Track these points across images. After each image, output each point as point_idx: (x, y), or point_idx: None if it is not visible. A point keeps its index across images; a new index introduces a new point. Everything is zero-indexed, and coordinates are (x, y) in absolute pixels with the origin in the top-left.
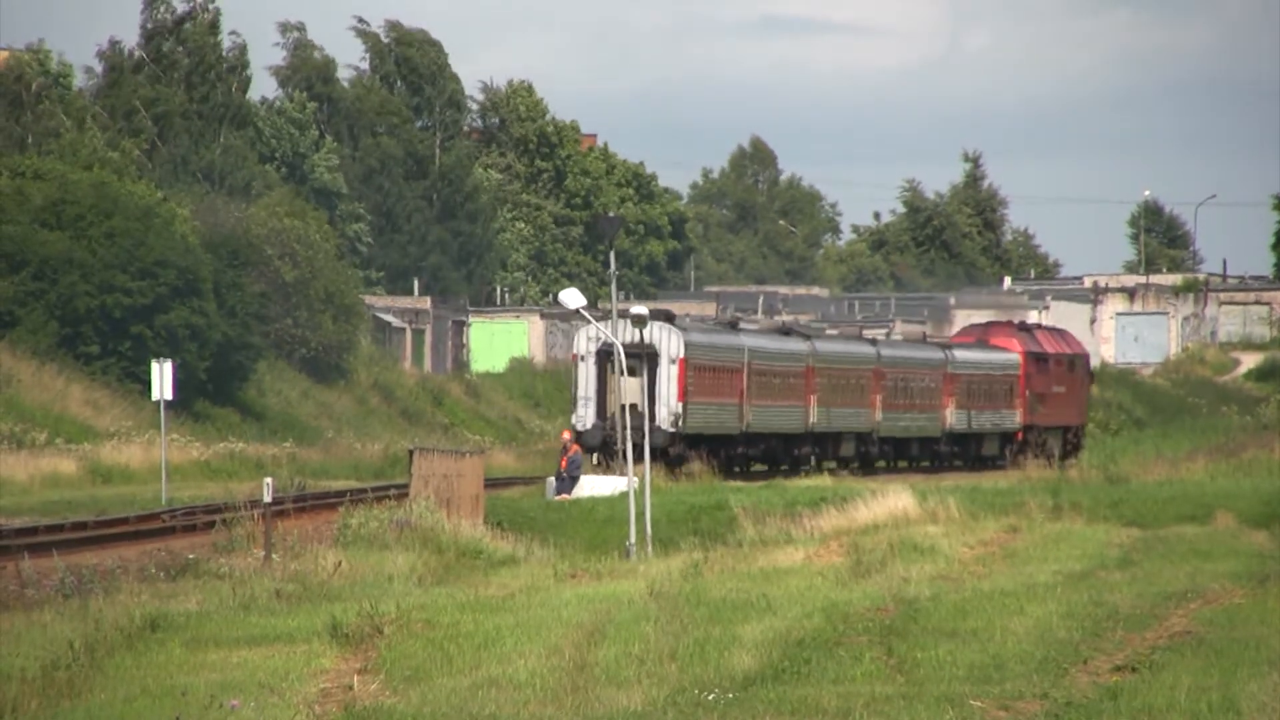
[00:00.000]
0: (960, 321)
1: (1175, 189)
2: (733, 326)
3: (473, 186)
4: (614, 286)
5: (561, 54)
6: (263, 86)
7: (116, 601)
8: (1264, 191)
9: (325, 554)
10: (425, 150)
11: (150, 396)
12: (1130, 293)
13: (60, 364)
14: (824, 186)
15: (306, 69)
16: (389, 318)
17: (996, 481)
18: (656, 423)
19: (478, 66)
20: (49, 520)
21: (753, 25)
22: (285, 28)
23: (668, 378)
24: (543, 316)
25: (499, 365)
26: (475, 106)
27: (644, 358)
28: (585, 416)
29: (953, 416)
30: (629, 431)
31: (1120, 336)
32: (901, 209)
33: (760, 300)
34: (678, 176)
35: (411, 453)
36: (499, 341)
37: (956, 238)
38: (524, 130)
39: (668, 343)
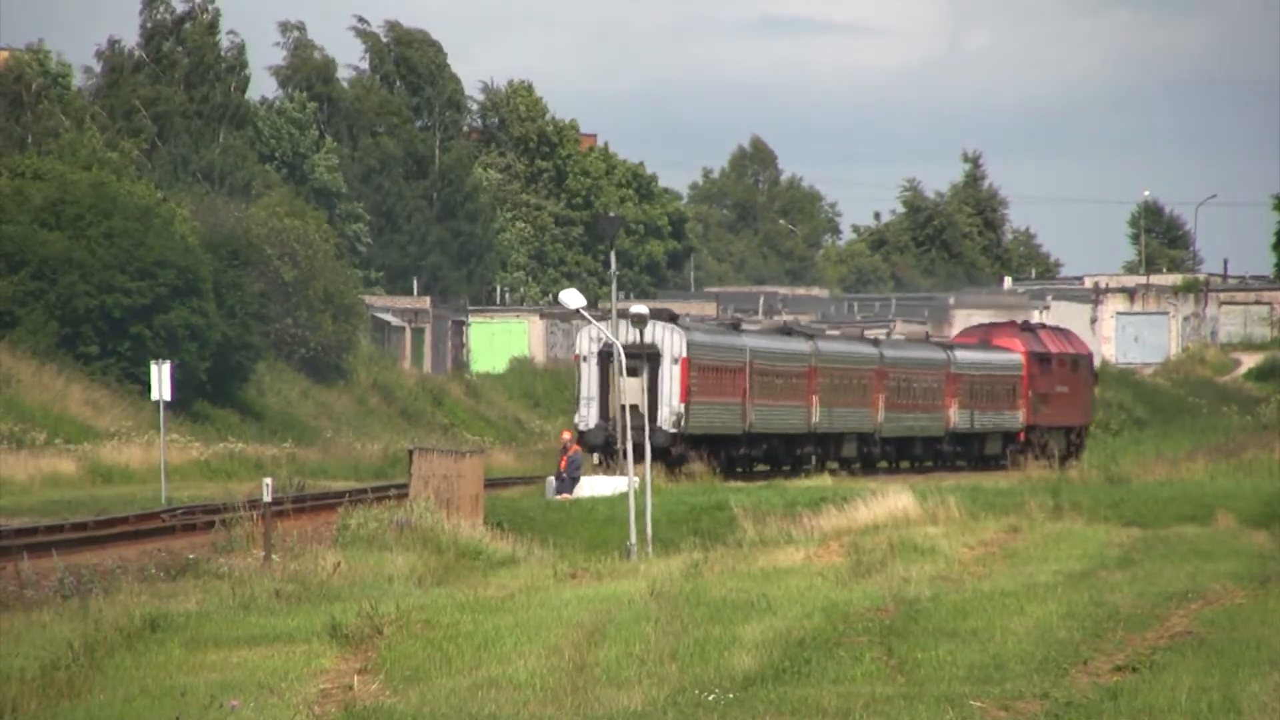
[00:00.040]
0: (960, 321)
1: (1175, 189)
2: (735, 327)
3: (473, 186)
4: (614, 286)
5: (561, 54)
6: (262, 86)
7: (116, 601)
8: (1264, 191)
9: (325, 554)
10: (425, 150)
11: (150, 396)
12: (1130, 293)
13: (60, 364)
14: (824, 186)
15: (306, 69)
16: (389, 318)
17: (997, 482)
18: (659, 423)
19: (478, 66)
20: (49, 520)
21: (753, 25)
22: (285, 27)
23: (670, 378)
24: (543, 316)
25: (499, 365)
26: (475, 106)
27: (645, 358)
28: (588, 416)
29: (955, 417)
30: (629, 431)
31: (1120, 336)
32: (901, 209)
33: (760, 300)
34: (678, 176)
35: (411, 453)
36: (499, 341)
37: (957, 238)
38: (524, 130)
39: (670, 343)
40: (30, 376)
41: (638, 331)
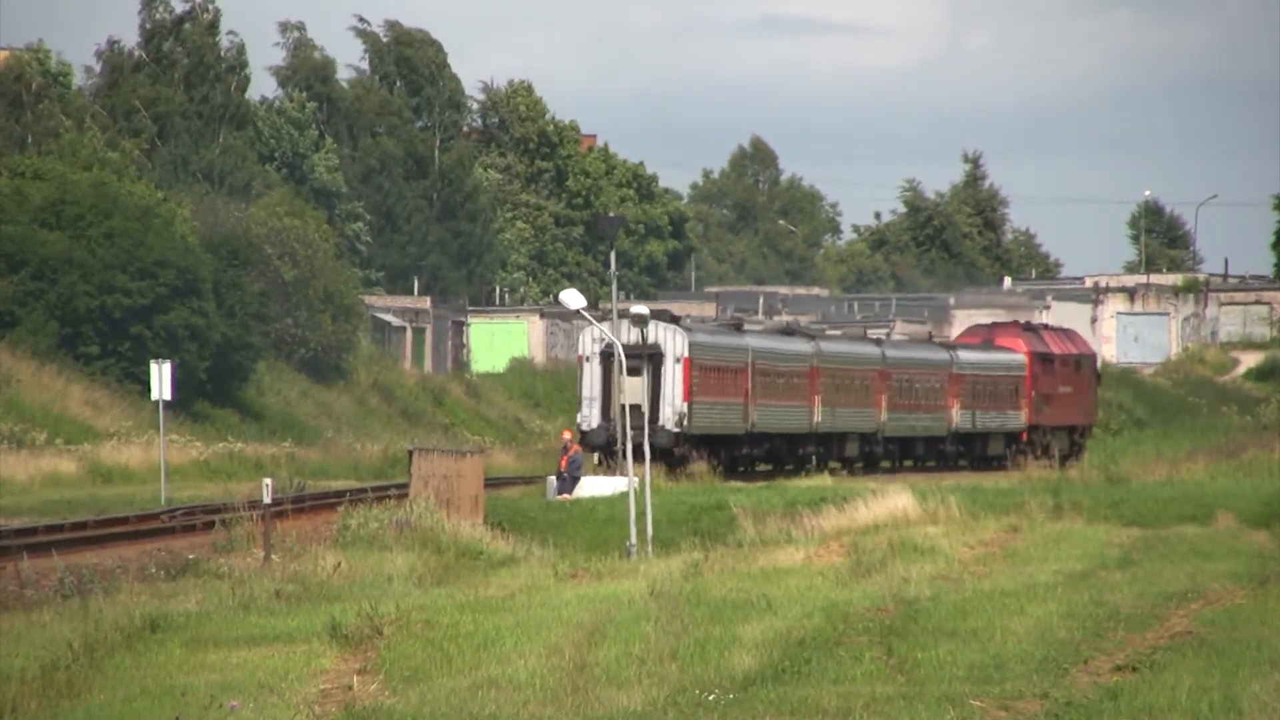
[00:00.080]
0: (960, 321)
1: (1175, 189)
2: (737, 327)
3: (473, 186)
4: (614, 287)
5: (561, 54)
6: (262, 86)
7: (116, 601)
8: (1264, 191)
9: (325, 554)
10: (425, 150)
11: (150, 396)
12: (1130, 293)
13: (60, 364)
14: (824, 186)
15: (306, 69)
16: (389, 317)
17: (997, 481)
18: (661, 422)
19: (478, 66)
20: (49, 520)
21: (753, 25)
22: (285, 27)
23: (673, 378)
24: (543, 316)
25: (499, 365)
26: (475, 106)
27: (648, 358)
28: (590, 416)
29: (958, 417)
30: (629, 431)
31: (1121, 336)
32: (902, 209)
33: (760, 300)
34: (678, 176)
35: (411, 453)
36: (499, 341)
37: (957, 238)
38: (524, 130)
39: (673, 343)
40: (30, 376)
41: (639, 332)
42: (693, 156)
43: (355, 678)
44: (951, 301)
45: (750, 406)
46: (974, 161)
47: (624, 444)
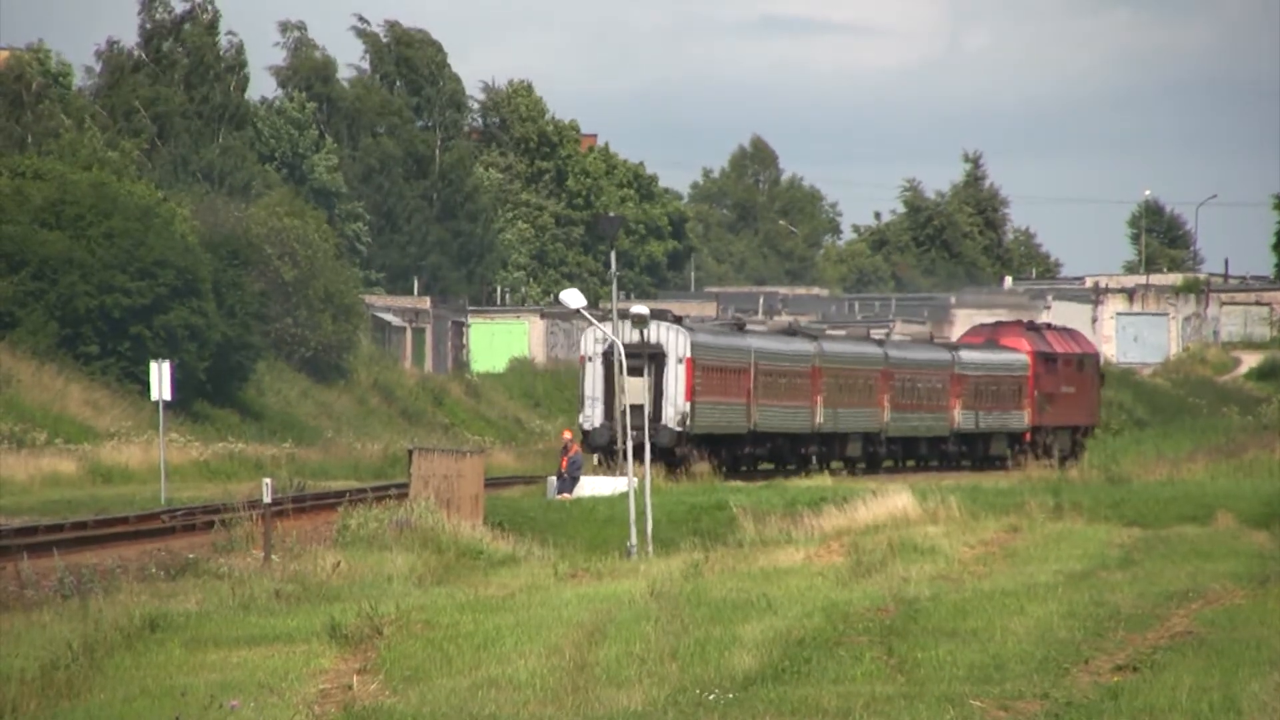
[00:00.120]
0: (960, 321)
1: (1175, 189)
2: (739, 328)
3: (473, 186)
4: (614, 287)
5: (561, 54)
6: (262, 86)
7: (116, 601)
8: (1264, 191)
9: (325, 554)
10: (425, 150)
11: (150, 396)
12: (1130, 293)
13: (60, 364)
14: (824, 186)
15: (306, 69)
16: (389, 317)
17: (997, 481)
18: (664, 422)
19: (478, 66)
20: (49, 520)
21: (753, 25)
22: (285, 27)
23: (675, 378)
24: (543, 316)
25: (499, 365)
26: (475, 106)
27: (649, 358)
28: (593, 416)
29: (960, 417)
30: (629, 431)
31: (1121, 337)
32: (902, 209)
33: (760, 300)
34: (678, 176)
35: (411, 453)
36: (499, 341)
37: (957, 237)
38: (524, 130)
39: (675, 343)
40: (30, 376)
41: (640, 331)
42: (693, 156)
43: (355, 678)
44: (952, 301)
45: (752, 406)
46: (974, 161)
47: (624, 443)
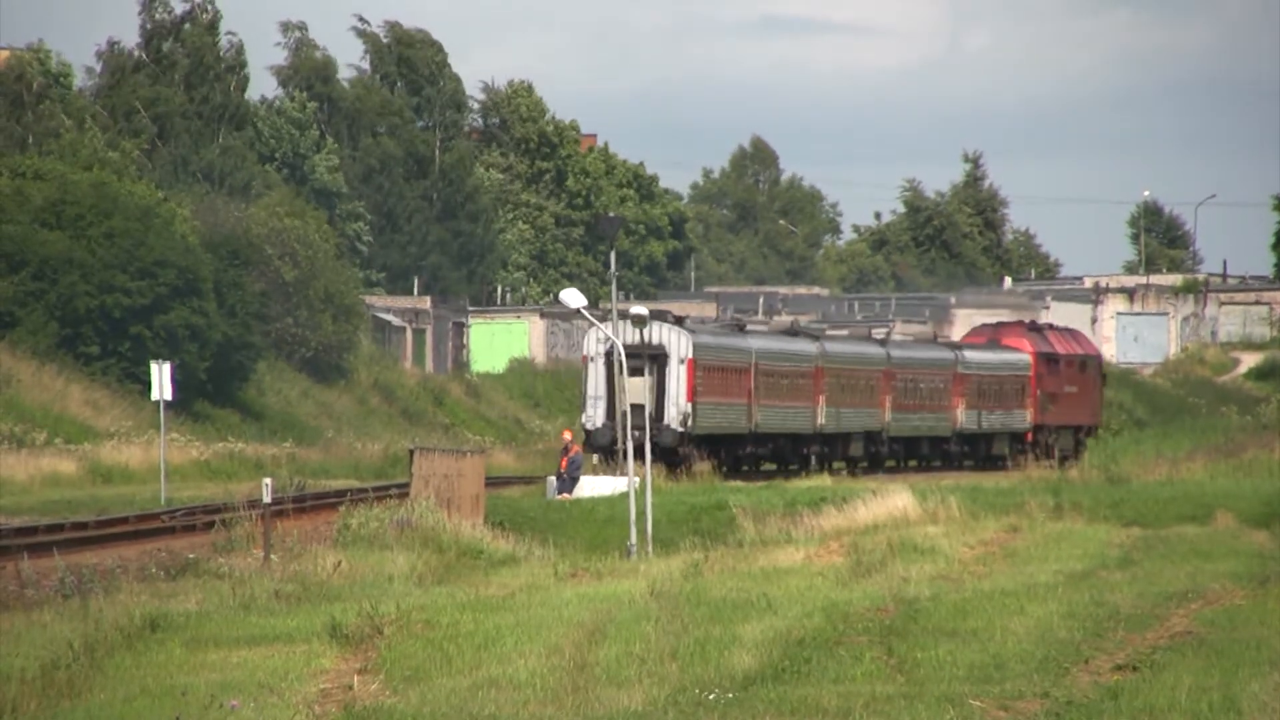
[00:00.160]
0: (961, 321)
1: (1175, 189)
2: (740, 328)
3: (473, 186)
4: (614, 287)
5: (561, 54)
6: (263, 86)
7: (116, 601)
8: (1264, 191)
9: (325, 554)
10: (425, 150)
11: (150, 396)
12: (1130, 293)
13: (60, 364)
14: (824, 186)
15: (307, 69)
16: (389, 317)
17: (997, 481)
18: (665, 422)
19: (478, 66)
20: (49, 520)
21: (753, 25)
22: (286, 27)
23: (677, 378)
24: (543, 316)
25: (499, 365)
26: (476, 106)
27: (649, 357)
28: (595, 416)
29: (963, 417)
30: (629, 431)
31: (1120, 337)
32: (902, 209)
33: (760, 300)
34: (678, 176)
35: (412, 452)
36: (499, 341)
37: (957, 237)
38: (524, 130)
39: (677, 343)
40: (30, 376)
41: (641, 331)
42: (693, 156)
43: (355, 677)
44: (952, 301)
45: (754, 407)
46: (974, 161)
47: (624, 443)
